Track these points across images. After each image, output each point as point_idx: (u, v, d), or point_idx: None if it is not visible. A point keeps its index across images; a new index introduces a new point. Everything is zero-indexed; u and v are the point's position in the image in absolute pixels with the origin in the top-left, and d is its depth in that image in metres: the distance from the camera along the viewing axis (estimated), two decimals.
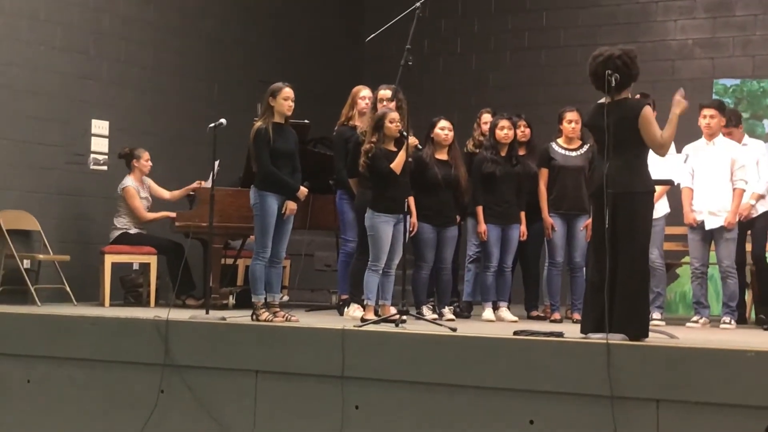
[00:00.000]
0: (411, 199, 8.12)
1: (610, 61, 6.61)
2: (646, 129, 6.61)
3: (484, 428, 6.59)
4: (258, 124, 7.90)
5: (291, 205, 7.95)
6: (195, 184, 9.75)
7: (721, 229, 8.55)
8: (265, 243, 7.83)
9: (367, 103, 8.79)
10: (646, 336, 6.57)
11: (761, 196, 8.84)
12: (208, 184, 8.93)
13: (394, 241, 7.99)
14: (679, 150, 8.74)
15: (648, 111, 6.65)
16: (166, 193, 9.98)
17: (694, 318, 8.64)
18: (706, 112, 8.65)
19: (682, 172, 8.70)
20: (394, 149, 8.03)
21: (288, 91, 7.92)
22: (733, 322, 8.47)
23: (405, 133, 7.95)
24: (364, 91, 8.93)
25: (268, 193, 7.84)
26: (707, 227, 8.58)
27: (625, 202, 6.52)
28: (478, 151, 9.07)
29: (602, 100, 6.76)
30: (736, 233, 8.62)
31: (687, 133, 8.87)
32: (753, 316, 9.16)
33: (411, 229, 8.16)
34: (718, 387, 5.98)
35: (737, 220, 8.60)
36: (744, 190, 8.60)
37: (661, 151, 6.71)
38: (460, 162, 8.72)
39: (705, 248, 8.68)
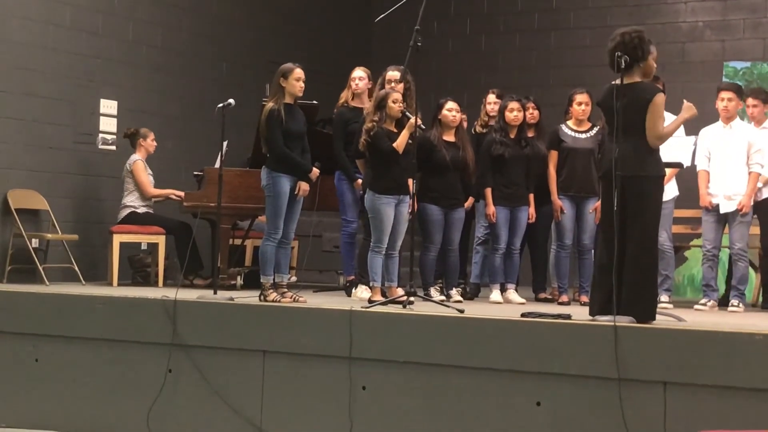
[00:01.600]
0: (410, 181, 8.08)
1: (625, 37, 6.59)
2: (652, 116, 6.59)
3: (492, 410, 6.60)
4: (270, 104, 7.88)
5: (304, 186, 7.94)
6: (175, 194, 9.72)
7: (736, 212, 8.52)
8: (278, 224, 7.82)
9: (357, 84, 8.84)
10: (653, 319, 6.56)
11: (766, 180, 8.81)
12: (217, 164, 8.93)
13: (397, 222, 7.99)
14: (695, 132, 8.70)
15: (660, 99, 6.63)
16: (149, 186, 9.90)
17: (703, 301, 8.62)
18: (724, 95, 8.59)
19: (693, 154, 8.66)
20: (396, 131, 8.01)
21: (299, 72, 7.91)
22: (741, 305, 8.46)
23: (408, 113, 7.93)
24: (356, 72, 8.96)
25: (281, 174, 7.83)
26: (722, 210, 8.55)
27: (635, 185, 6.51)
28: (485, 131, 9.05)
29: (616, 81, 6.74)
30: (751, 217, 8.59)
31: (703, 116, 8.84)
32: (761, 299, 9.14)
33: (413, 210, 8.13)
34: (726, 370, 5.98)
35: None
36: (759, 174, 8.57)
37: (657, 142, 6.68)
38: (468, 144, 8.70)
39: (718, 231, 8.65)
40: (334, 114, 9.07)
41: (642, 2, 12.16)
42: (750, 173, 8.53)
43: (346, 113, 8.85)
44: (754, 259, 9.23)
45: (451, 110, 8.61)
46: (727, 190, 8.56)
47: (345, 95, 9.03)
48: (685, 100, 6.90)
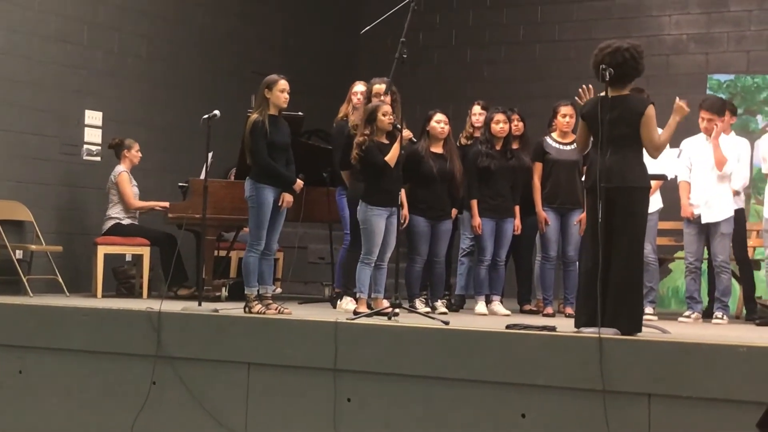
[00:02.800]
0: (402, 192, 8.11)
1: (618, 53, 6.61)
2: (647, 129, 6.63)
3: (477, 422, 6.60)
4: (254, 116, 7.87)
5: (288, 198, 7.93)
6: (159, 205, 9.72)
7: (716, 224, 8.55)
8: (260, 235, 7.81)
9: (359, 99, 8.80)
10: (639, 331, 6.58)
11: (737, 193, 8.86)
12: (202, 176, 8.93)
13: (387, 234, 8.00)
14: (677, 144, 8.74)
15: (652, 111, 6.68)
16: (133, 198, 9.88)
17: (687, 313, 8.64)
18: (704, 115, 8.63)
19: (677, 166, 8.70)
20: (386, 142, 8.03)
21: (284, 83, 7.90)
22: (725, 317, 8.48)
23: (398, 126, 7.95)
24: (357, 86, 8.94)
25: (265, 186, 7.82)
26: (703, 221, 8.58)
27: (621, 197, 6.52)
28: (470, 142, 9.08)
29: (602, 93, 6.77)
30: (731, 228, 8.62)
31: (683, 128, 8.86)
32: (744, 311, 9.17)
33: (402, 221, 8.15)
34: (710, 382, 5.99)
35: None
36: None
37: (656, 153, 6.75)
38: (455, 155, 8.71)
39: (700, 243, 8.68)
40: (334, 127, 9.05)
41: (626, 15, 12.21)
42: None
43: (345, 127, 8.81)
44: (737, 271, 9.25)
45: (439, 122, 8.62)
46: (708, 201, 8.58)
47: (344, 109, 9.01)
48: (677, 99, 6.90)
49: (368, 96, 8.49)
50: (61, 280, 9.44)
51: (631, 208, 6.56)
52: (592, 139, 6.88)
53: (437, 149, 8.64)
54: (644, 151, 6.76)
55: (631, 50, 6.66)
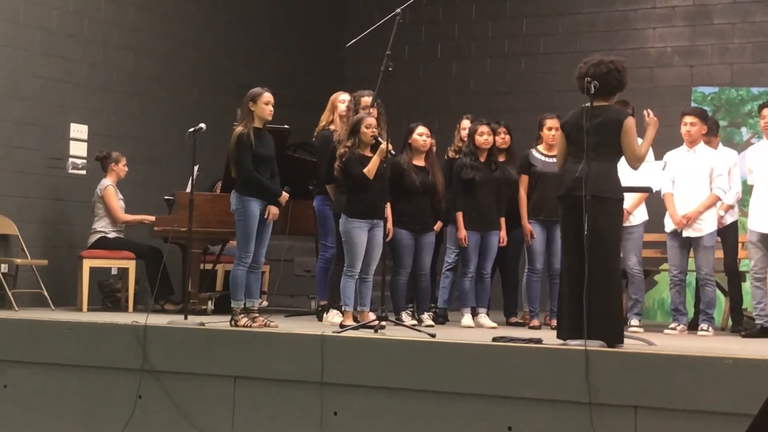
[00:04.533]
0: (388, 205, 8.11)
1: (602, 65, 6.66)
2: (627, 140, 6.66)
3: None
4: (239, 129, 7.87)
5: (274, 210, 7.93)
6: (146, 219, 9.70)
7: (699, 237, 8.58)
8: (248, 248, 7.80)
9: (346, 107, 8.79)
10: (622, 342, 6.58)
11: (730, 207, 8.90)
12: (188, 189, 8.92)
13: (370, 247, 8.00)
14: (660, 157, 8.78)
15: (631, 122, 6.72)
16: (119, 211, 9.86)
17: (672, 325, 8.66)
18: (688, 119, 8.68)
19: (661, 179, 8.72)
20: (370, 155, 8.04)
21: (268, 96, 7.90)
22: (710, 329, 8.50)
23: (380, 139, 7.96)
24: (343, 96, 8.93)
25: (251, 198, 7.81)
26: (685, 234, 8.61)
27: (596, 206, 6.52)
28: (458, 156, 9.08)
29: (586, 104, 6.80)
30: (714, 241, 8.65)
31: (668, 140, 8.91)
32: (730, 323, 9.20)
33: (386, 234, 8.15)
34: (696, 394, 6.00)
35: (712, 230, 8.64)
36: (719, 198, 8.64)
37: (637, 164, 6.77)
38: (437, 168, 8.72)
39: (684, 255, 8.71)
40: (316, 138, 9.05)
41: (611, 28, 12.27)
42: (710, 195, 8.59)
43: (329, 136, 8.80)
44: (723, 283, 9.29)
45: (421, 135, 8.64)
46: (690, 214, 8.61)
47: (326, 118, 8.98)
48: (649, 113, 6.96)
49: (355, 108, 8.49)
50: (46, 293, 9.42)
51: (606, 218, 6.54)
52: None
53: (419, 162, 8.65)
54: (622, 162, 6.79)
55: (615, 63, 6.72)
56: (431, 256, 8.77)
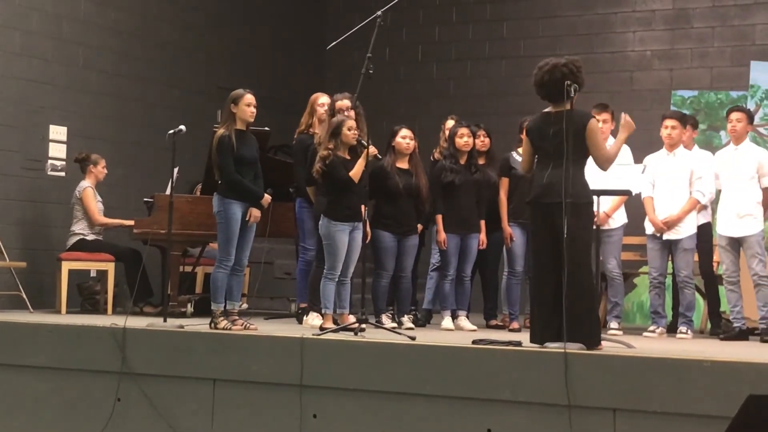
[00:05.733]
0: (363, 208, 8.09)
1: (556, 70, 6.65)
2: (592, 141, 6.65)
3: None
4: (221, 131, 7.84)
5: (255, 213, 7.91)
6: (124, 224, 9.68)
7: (679, 240, 8.61)
8: (229, 251, 7.78)
9: (326, 110, 8.78)
10: (599, 344, 6.59)
11: (704, 207, 8.93)
12: (167, 191, 8.89)
13: (350, 250, 7.99)
14: (639, 160, 8.80)
15: (594, 123, 6.72)
16: (98, 213, 9.83)
17: (651, 327, 8.69)
18: (668, 122, 8.71)
19: (641, 182, 8.75)
20: (349, 158, 8.02)
21: (250, 98, 7.88)
22: (689, 331, 8.53)
23: (364, 142, 7.96)
24: (323, 98, 8.90)
25: (233, 201, 7.79)
26: (665, 237, 8.63)
27: (570, 212, 6.50)
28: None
29: (548, 109, 6.81)
30: (694, 243, 8.68)
31: (648, 143, 8.94)
32: (709, 326, 9.22)
33: (366, 236, 8.13)
34: (675, 396, 6.02)
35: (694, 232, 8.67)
36: (699, 201, 8.67)
37: (606, 165, 6.77)
38: (421, 171, 8.72)
39: (663, 258, 8.73)
40: (295, 140, 9.03)
41: (591, 31, 12.29)
42: (690, 198, 8.62)
43: (307, 139, 8.78)
44: (701, 286, 9.31)
45: (405, 137, 8.64)
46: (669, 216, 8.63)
47: (306, 121, 8.96)
48: (623, 115, 6.96)
49: (332, 111, 8.47)
50: (24, 296, 9.37)
51: (574, 222, 6.53)
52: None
53: (403, 165, 8.65)
54: (585, 166, 6.79)
55: (569, 65, 6.66)
56: (413, 258, 8.77)
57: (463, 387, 6.54)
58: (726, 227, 8.44)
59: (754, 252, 8.31)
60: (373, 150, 7.99)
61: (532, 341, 6.72)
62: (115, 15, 10.95)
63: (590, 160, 6.80)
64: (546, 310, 6.61)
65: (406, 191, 8.57)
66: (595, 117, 6.95)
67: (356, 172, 7.92)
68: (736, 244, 8.42)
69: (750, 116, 8.62)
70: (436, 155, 9.27)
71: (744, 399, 4.50)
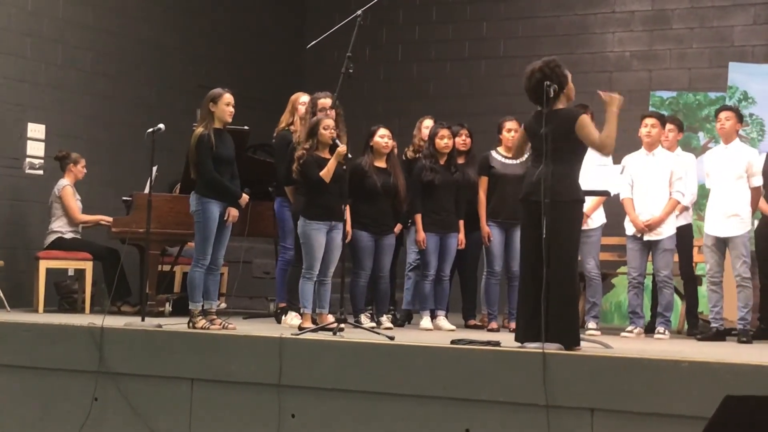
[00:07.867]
0: (347, 208, 8.10)
1: (533, 76, 6.72)
2: (585, 134, 6.68)
3: None
4: (199, 130, 7.83)
5: (233, 212, 7.90)
6: (104, 220, 9.63)
7: (659, 240, 8.63)
8: (206, 250, 7.76)
9: (306, 109, 8.76)
10: (578, 344, 6.61)
11: (685, 208, 8.96)
12: (146, 190, 8.87)
13: (329, 249, 7.99)
14: (618, 161, 8.82)
15: (584, 118, 6.75)
16: (78, 211, 9.78)
17: (629, 328, 8.70)
18: (648, 121, 8.73)
19: (619, 183, 8.77)
20: (329, 156, 8.02)
21: (229, 97, 7.87)
22: (667, 332, 8.56)
23: (338, 141, 7.95)
24: (304, 97, 8.89)
25: (210, 200, 7.78)
26: (645, 238, 8.65)
27: (554, 210, 6.55)
28: (418, 156, 9.06)
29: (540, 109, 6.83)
30: (674, 244, 8.70)
31: (627, 144, 8.96)
32: (686, 326, 9.26)
33: (345, 236, 8.13)
34: (653, 397, 6.03)
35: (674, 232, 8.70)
36: (679, 201, 8.70)
37: (605, 150, 6.81)
38: (399, 170, 8.73)
39: (643, 258, 8.75)
40: (275, 138, 9.01)
41: (570, 32, 12.33)
42: (670, 199, 8.65)
43: (288, 136, 8.76)
44: (680, 287, 9.35)
45: (383, 137, 8.64)
46: (650, 217, 8.65)
47: (286, 119, 8.95)
48: (602, 93, 6.91)
49: (313, 110, 8.46)
50: (2, 294, 9.31)
51: (563, 221, 6.57)
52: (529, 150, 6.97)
53: (381, 164, 8.65)
54: (581, 166, 6.81)
55: (544, 68, 6.70)
56: (391, 258, 8.77)
57: (442, 387, 6.55)
58: (713, 227, 8.46)
59: (740, 253, 8.34)
60: (342, 149, 7.93)
61: (516, 340, 6.74)
62: (94, 14, 10.91)
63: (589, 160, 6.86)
64: (529, 309, 6.61)
65: (384, 190, 8.57)
66: (585, 113, 6.95)
67: (327, 171, 7.91)
68: (722, 244, 8.45)
69: (739, 115, 8.62)
70: (409, 154, 9.25)
71: (721, 399, 4.51)
